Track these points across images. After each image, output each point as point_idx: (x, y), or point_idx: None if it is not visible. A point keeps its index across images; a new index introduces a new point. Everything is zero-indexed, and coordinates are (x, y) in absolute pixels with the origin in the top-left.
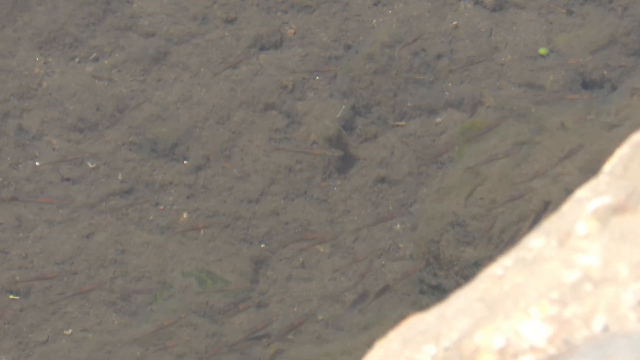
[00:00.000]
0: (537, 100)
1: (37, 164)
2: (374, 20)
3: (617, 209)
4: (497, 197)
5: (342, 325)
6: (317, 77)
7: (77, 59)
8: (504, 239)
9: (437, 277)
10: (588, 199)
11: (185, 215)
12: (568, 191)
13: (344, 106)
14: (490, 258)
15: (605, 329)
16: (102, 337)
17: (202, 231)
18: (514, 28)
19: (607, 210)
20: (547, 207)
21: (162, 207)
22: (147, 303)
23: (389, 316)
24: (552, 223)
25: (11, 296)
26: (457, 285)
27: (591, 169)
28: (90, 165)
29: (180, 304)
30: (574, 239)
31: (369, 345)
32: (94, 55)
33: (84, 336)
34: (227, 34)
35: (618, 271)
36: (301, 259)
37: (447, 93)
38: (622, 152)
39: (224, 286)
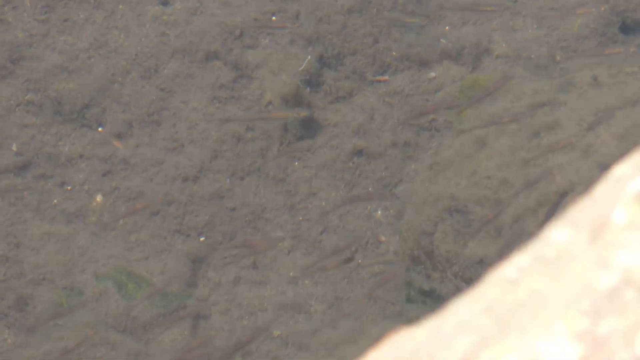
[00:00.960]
0: (564, 51)
1: None
2: None
3: None
4: (508, 175)
5: (305, 344)
6: (274, 18)
7: None
8: (517, 230)
9: (429, 280)
10: (630, 178)
11: (99, 198)
12: (602, 167)
13: (309, 56)
14: (500, 255)
15: None
16: None
17: (122, 219)
18: None
19: None
20: (574, 189)
21: (69, 188)
22: (50, 315)
23: (367, 332)
24: (581, 210)
25: None
26: (457, 290)
27: (633, 139)
28: None
29: (92, 315)
30: (611, 230)
31: None
32: None
33: None
34: None
35: None
36: (252, 257)
37: (443, 40)
38: None
39: (152, 292)
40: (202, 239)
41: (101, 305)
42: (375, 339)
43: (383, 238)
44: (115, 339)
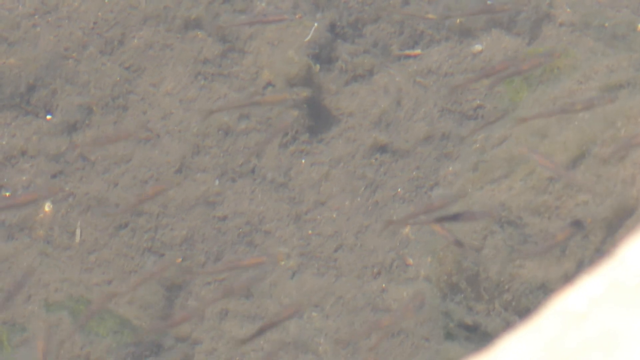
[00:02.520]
0: None
1: None
2: None
3: None
4: (577, 175)
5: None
6: None
7: None
8: (588, 247)
9: (473, 313)
10: None
11: (48, 207)
12: None
13: (315, 24)
14: (564, 279)
15: None
16: None
17: (78, 234)
18: None
19: None
20: None
21: (7, 195)
22: None
23: None
24: None
25: None
26: (507, 325)
27: None
28: None
29: (37, 357)
30: None
31: None
32: None
33: None
34: None
35: None
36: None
37: (491, 1)
38: None
39: (119, 326)
40: (179, 260)
41: (52, 342)
42: None
43: (410, 261)
44: None
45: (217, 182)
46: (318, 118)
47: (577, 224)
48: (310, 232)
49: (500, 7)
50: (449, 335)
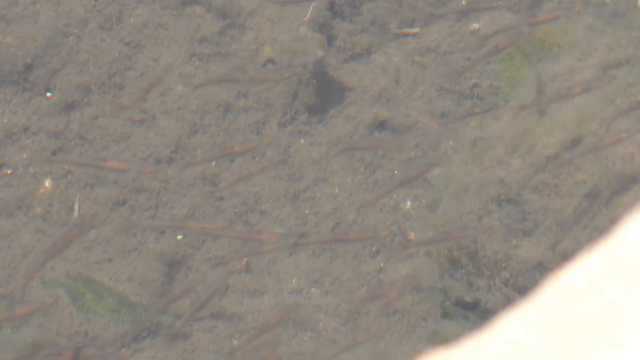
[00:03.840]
0: None
1: None
2: None
3: None
4: (575, 154)
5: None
6: None
7: None
8: (587, 225)
9: (472, 290)
10: None
11: (48, 183)
12: None
13: (314, 2)
14: (563, 257)
15: None
16: None
17: (76, 209)
18: None
19: None
20: None
21: (9, 172)
22: None
23: (391, 355)
24: None
25: None
26: (507, 302)
27: None
28: None
29: (39, 334)
30: None
31: None
32: None
33: None
34: None
35: None
36: (244, 258)
37: None
38: None
39: (117, 304)
40: (179, 237)
41: (50, 321)
42: None
43: (412, 235)
44: None
45: (213, 162)
46: (320, 95)
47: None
48: (307, 211)
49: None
50: (446, 314)
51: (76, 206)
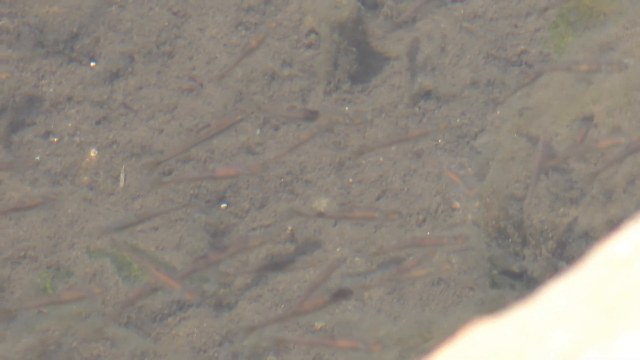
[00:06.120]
0: None
1: None
2: None
3: None
4: (622, 122)
5: (359, 337)
6: None
7: None
8: (635, 193)
9: (518, 259)
10: None
11: (93, 153)
12: None
13: None
14: (609, 225)
15: None
16: None
17: (122, 179)
18: None
19: None
20: None
21: (55, 140)
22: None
23: (437, 324)
24: None
25: None
26: (554, 272)
27: None
28: None
29: (85, 303)
30: None
31: None
32: None
33: None
34: None
35: None
36: (289, 227)
37: None
38: None
39: (163, 274)
40: (223, 205)
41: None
42: (448, 334)
43: (457, 205)
44: (115, 334)
45: (258, 130)
46: (364, 63)
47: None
48: (351, 180)
49: None
50: (494, 284)
51: (122, 176)
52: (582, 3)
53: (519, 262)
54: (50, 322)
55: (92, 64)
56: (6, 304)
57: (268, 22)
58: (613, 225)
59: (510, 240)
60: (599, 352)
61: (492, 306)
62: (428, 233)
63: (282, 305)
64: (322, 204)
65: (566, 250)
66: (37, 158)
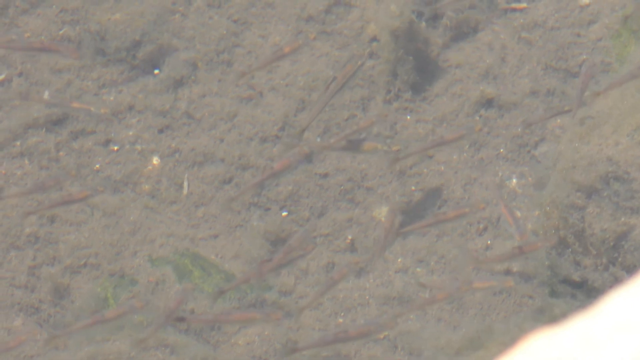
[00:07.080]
0: None
1: None
2: None
3: None
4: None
5: (417, 348)
6: None
7: None
8: None
9: (579, 268)
10: None
11: (156, 161)
12: None
13: None
14: None
15: None
16: None
17: (185, 187)
18: None
19: None
20: None
21: (116, 148)
22: (92, 310)
23: (497, 333)
24: None
25: None
26: (616, 282)
27: None
28: None
29: (146, 311)
30: None
31: None
32: None
33: None
34: None
35: None
36: (349, 236)
37: None
38: None
39: (224, 282)
40: (284, 214)
41: (158, 298)
42: (507, 343)
43: (518, 214)
44: (175, 341)
45: (318, 139)
46: (423, 72)
47: None
48: (413, 187)
49: None
50: (554, 293)
51: (185, 184)
52: None
53: (580, 271)
54: (109, 331)
55: (156, 71)
56: (66, 312)
57: (329, 31)
58: None
59: (570, 249)
60: None
61: (552, 315)
62: (489, 242)
63: (342, 314)
64: (382, 212)
65: (627, 259)
66: (98, 165)
